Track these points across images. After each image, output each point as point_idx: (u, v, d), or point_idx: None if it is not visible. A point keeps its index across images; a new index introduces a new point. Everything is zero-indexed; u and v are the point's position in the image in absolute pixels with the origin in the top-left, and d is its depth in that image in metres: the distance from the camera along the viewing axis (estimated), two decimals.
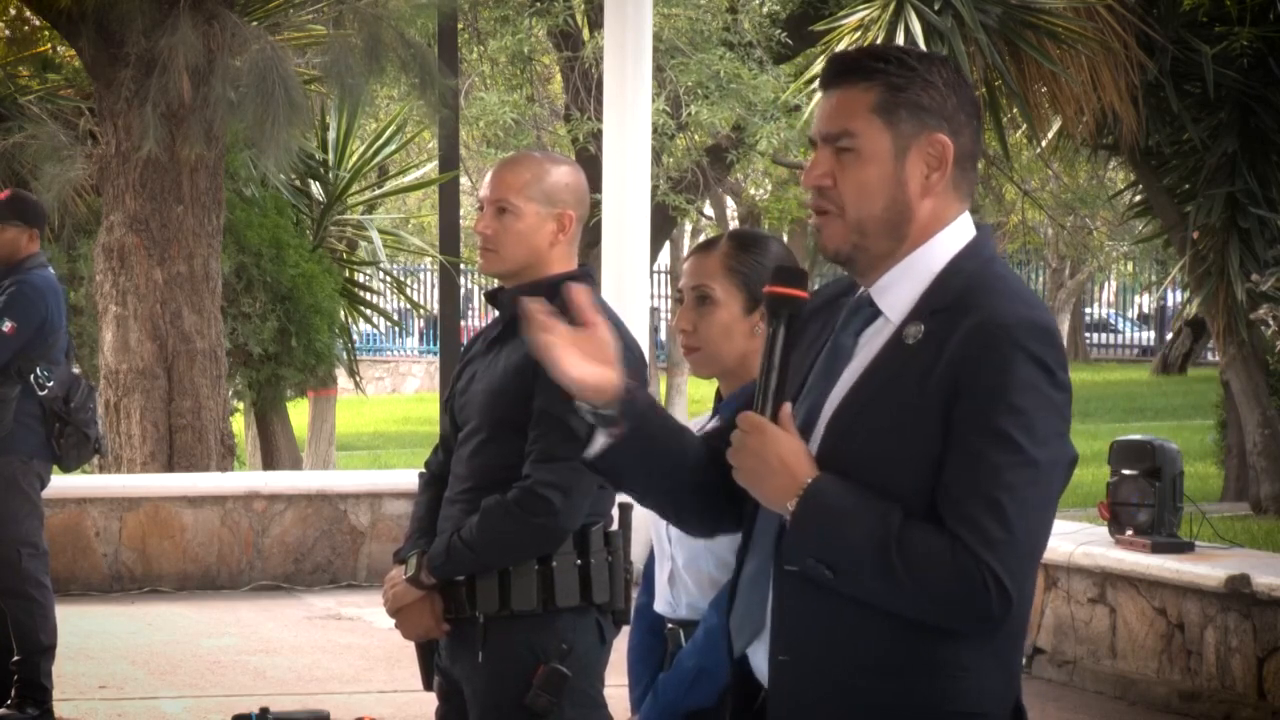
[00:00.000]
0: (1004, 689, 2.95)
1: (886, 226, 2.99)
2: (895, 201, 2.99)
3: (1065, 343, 29.91)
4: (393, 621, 4.83)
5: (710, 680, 3.99)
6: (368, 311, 19.70)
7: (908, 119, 2.98)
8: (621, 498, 4.81)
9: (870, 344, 3.00)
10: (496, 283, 4.87)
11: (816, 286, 4.09)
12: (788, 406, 2.97)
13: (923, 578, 2.84)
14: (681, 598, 4.11)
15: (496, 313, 4.82)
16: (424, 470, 4.92)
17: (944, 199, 3.00)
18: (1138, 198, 16.21)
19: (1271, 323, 13.01)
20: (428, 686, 4.88)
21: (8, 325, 8.22)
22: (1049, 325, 2.92)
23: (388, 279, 21.25)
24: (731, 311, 4.09)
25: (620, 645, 4.54)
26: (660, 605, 4.17)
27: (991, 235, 3.07)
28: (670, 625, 4.14)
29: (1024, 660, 3.19)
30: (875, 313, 3.01)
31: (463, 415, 4.78)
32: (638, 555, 4.90)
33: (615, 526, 4.76)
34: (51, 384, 8.33)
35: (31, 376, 8.30)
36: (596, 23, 18.38)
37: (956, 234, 3.01)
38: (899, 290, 2.99)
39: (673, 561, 4.12)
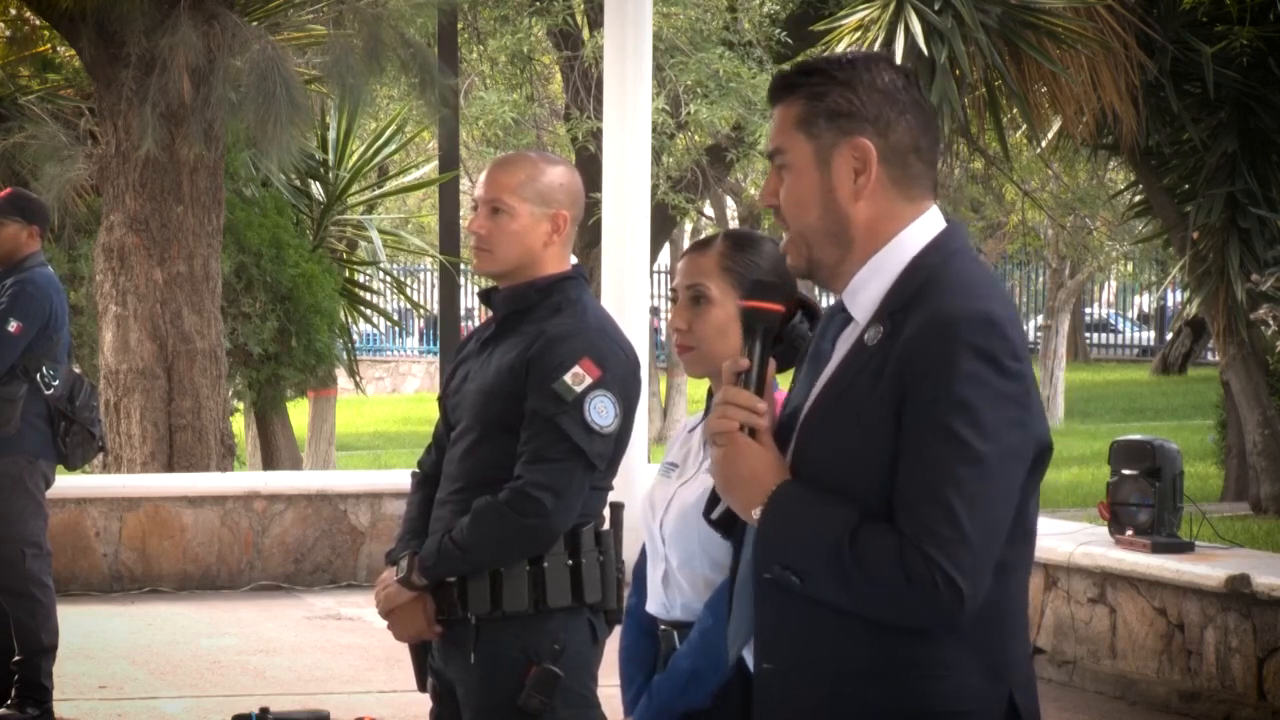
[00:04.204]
0: (990, 687, 2.94)
1: (827, 236, 3.01)
2: (828, 210, 3.00)
3: (1064, 342, 29.90)
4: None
5: (705, 681, 3.98)
6: (368, 311, 19.70)
7: (826, 128, 2.99)
8: (612, 496, 4.82)
9: (842, 347, 3.03)
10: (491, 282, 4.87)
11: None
12: (767, 418, 2.99)
13: (875, 580, 2.85)
14: (676, 599, 4.10)
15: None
16: (417, 470, 4.92)
17: (883, 199, 3.00)
18: (1138, 198, 16.20)
19: (1271, 323, 13.01)
20: (422, 688, 4.87)
21: (14, 325, 8.21)
22: (993, 315, 2.89)
23: (388, 279, 21.25)
24: (726, 311, 4.08)
25: (615, 645, 4.54)
26: (654, 607, 4.16)
27: (962, 229, 3.05)
28: (664, 627, 4.13)
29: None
30: (849, 316, 3.04)
31: (455, 415, 4.77)
32: (629, 555, 4.90)
33: (606, 526, 4.76)
34: (57, 383, 8.32)
35: (38, 375, 8.29)
36: (596, 22, 18.39)
37: (921, 231, 3.01)
38: (866, 292, 3.00)
39: (667, 563, 4.11)
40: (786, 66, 3.14)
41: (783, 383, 3.28)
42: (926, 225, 3.01)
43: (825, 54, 3.12)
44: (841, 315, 3.06)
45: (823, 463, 2.94)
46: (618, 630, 4.52)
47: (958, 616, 2.84)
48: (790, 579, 2.93)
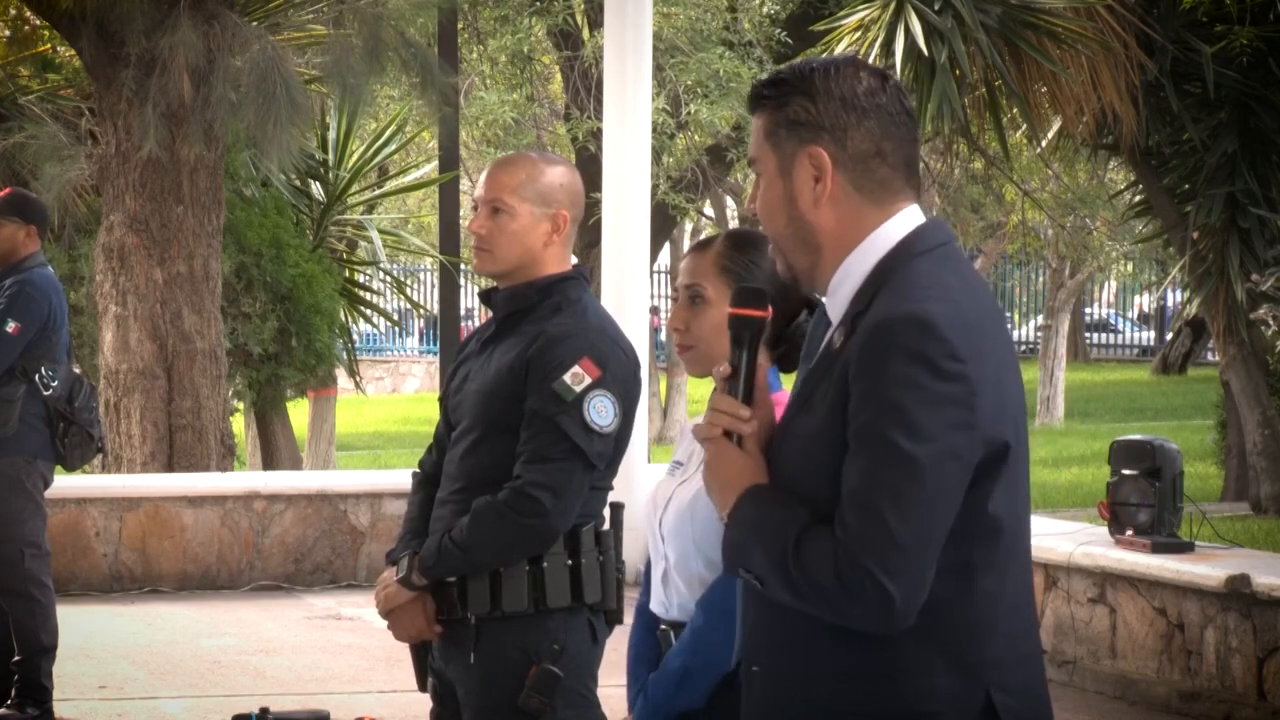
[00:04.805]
0: (959, 687, 2.93)
1: (795, 242, 3.05)
2: (792, 219, 3.04)
3: (1064, 342, 29.85)
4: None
5: (697, 681, 3.98)
6: (368, 311, 19.70)
7: (787, 137, 3.04)
8: (612, 496, 4.82)
9: (819, 351, 3.06)
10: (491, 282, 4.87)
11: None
12: (753, 424, 3.02)
13: (814, 584, 2.88)
14: (674, 598, 4.09)
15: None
16: (418, 470, 4.92)
17: (846, 205, 3.02)
18: (1138, 198, 16.20)
19: (1271, 323, 13.01)
20: (422, 688, 4.88)
21: (11, 326, 8.21)
22: (929, 317, 2.89)
23: (388, 279, 21.26)
24: (723, 311, 4.07)
25: (616, 645, 4.54)
26: (655, 605, 4.16)
27: (936, 230, 3.05)
28: (663, 626, 4.13)
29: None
30: (830, 320, 3.08)
31: (456, 415, 4.77)
32: (629, 555, 4.89)
33: (606, 526, 4.76)
34: (56, 384, 8.32)
35: (37, 376, 8.28)
36: (596, 22, 18.39)
37: (891, 233, 3.02)
38: (838, 295, 3.04)
39: (666, 561, 4.11)
40: (784, 67, 3.17)
41: (788, 383, 3.31)
42: (897, 227, 3.02)
43: (797, 62, 3.14)
44: (826, 318, 3.10)
45: (791, 465, 2.98)
46: (624, 629, 4.52)
47: (890, 619, 2.86)
48: (753, 582, 2.98)
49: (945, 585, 2.89)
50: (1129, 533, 9.13)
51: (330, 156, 18.26)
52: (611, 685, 5.04)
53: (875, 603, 2.84)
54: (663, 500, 4.14)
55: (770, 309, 3.13)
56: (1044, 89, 13.38)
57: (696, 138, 20.45)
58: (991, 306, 3.03)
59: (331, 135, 18.20)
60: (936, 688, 2.92)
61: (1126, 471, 9.17)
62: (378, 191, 20.31)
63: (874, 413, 2.86)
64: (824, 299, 3.08)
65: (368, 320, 20.15)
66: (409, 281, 34.78)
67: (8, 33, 18.02)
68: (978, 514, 2.92)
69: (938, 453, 2.85)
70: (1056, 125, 14.22)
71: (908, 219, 3.03)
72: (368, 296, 19.97)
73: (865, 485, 2.85)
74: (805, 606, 2.91)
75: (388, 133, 19.03)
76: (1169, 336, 38.38)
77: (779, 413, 3.11)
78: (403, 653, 4.95)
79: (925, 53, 12.29)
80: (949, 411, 2.87)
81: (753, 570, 2.96)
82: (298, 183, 18.10)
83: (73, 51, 15.78)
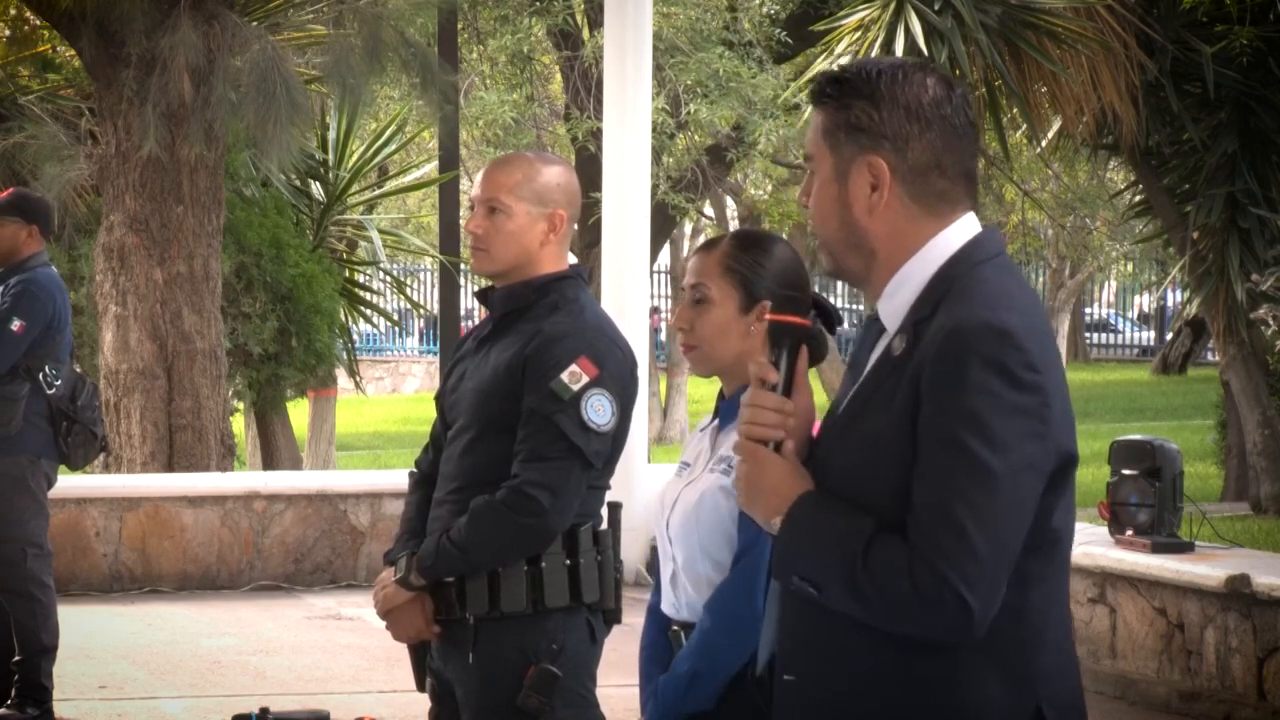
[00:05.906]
0: (1011, 698, 2.91)
1: (847, 246, 3.01)
2: (845, 223, 3.00)
3: (1065, 343, 29.80)
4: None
5: (706, 684, 3.99)
6: (368, 311, 19.70)
7: (846, 141, 2.99)
8: (611, 496, 4.82)
9: (873, 358, 3.02)
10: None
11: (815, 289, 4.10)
12: (792, 421, 2.98)
13: (886, 593, 2.83)
14: (682, 599, 4.10)
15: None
16: (414, 469, 4.92)
17: (902, 215, 2.98)
18: (1138, 198, 16.21)
19: (1271, 323, 13.02)
20: (421, 688, 4.88)
21: (16, 324, 8.21)
22: (1006, 326, 2.86)
23: (388, 279, 21.25)
24: (727, 311, 4.08)
25: (615, 644, 4.54)
26: (665, 606, 4.17)
27: (994, 238, 3.02)
28: (674, 627, 4.13)
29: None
30: (882, 326, 3.03)
31: (452, 414, 4.78)
32: (628, 555, 4.89)
33: (604, 526, 4.76)
34: (59, 383, 8.32)
35: (40, 375, 8.28)
36: (596, 22, 18.39)
37: (950, 240, 2.99)
38: (895, 301, 2.99)
39: (674, 562, 4.12)
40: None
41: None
42: (956, 235, 2.99)
43: (863, 61, 3.10)
44: (877, 324, 3.05)
45: (845, 472, 2.93)
46: (623, 629, 4.51)
47: (967, 631, 2.82)
48: (808, 590, 2.92)
49: (1005, 596, 2.86)
50: (1129, 533, 9.13)
51: (330, 156, 18.26)
52: (611, 685, 5.04)
53: (954, 612, 2.80)
54: (669, 501, 4.15)
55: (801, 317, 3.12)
56: (1044, 89, 13.39)
57: (696, 138, 20.44)
58: (1046, 315, 3.00)
59: (331, 135, 18.20)
60: (989, 699, 2.89)
61: (1126, 471, 9.17)
62: (378, 191, 20.31)
63: (951, 421, 2.82)
64: (876, 305, 3.04)
65: (368, 320, 20.15)
66: (409, 281, 34.78)
67: (8, 33, 18.02)
68: (1042, 526, 2.90)
69: (1015, 463, 2.82)
70: (1056, 125, 14.23)
71: (966, 227, 3.00)
72: (368, 296, 19.97)
73: (942, 494, 2.81)
74: (870, 615, 2.87)
75: (388, 133, 19.03)
76: (1169, 336, 38.39)
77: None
78: (402, 653, 4.95)
79: (925, 53, 12.29)
80: (1025, 422, 2.84)
81: (809, 578, 2.91)
82: (298, 183, 18.10)
83: (73, 51, 15.78)
